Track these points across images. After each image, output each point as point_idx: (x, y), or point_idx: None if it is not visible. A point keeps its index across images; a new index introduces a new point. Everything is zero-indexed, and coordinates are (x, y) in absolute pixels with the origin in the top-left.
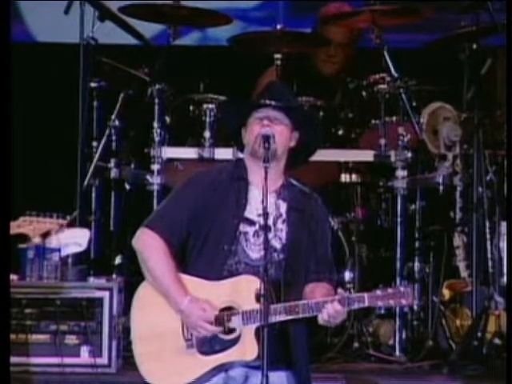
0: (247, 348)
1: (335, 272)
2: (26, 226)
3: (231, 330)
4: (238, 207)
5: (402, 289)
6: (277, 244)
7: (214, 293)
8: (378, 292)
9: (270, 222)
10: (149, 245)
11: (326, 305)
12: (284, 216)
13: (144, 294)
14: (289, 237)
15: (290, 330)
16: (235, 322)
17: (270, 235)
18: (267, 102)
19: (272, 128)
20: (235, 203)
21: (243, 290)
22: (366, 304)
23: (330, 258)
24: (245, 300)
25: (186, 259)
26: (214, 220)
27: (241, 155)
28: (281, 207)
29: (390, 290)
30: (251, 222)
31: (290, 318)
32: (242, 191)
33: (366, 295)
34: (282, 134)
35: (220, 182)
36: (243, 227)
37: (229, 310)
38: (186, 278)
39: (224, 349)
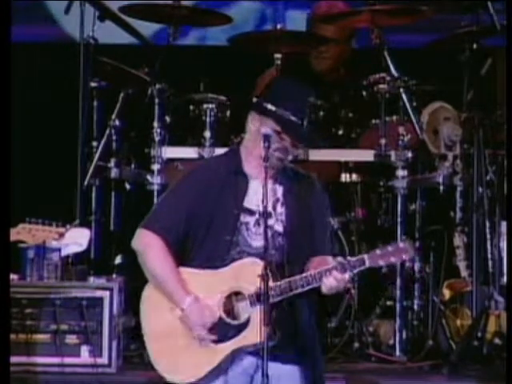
0: (258, 330)
1: (335, 244)
2: (25, 233)
3: (241, 315)
4: (237, 198)
5: (401, 244)
6: (279, 228)
7: (218, 279)
8: (378, 251)
9: (270, 207)
10: (148, 246)
11: (327, 274)
12: (282, 199)
13: (150, 294)
14: (289, 218)
15: (298, 313)
16: (243, 306)
17: (272, 220)
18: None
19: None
20: (234, 195)
21: (248, 273)
22: (367, 265)
23: (329, 231)
24: (251, 283)
25: (187, 254)
26: (214, 213)
27: None
28: (278, 192)
29: (389, 248)
30: (251, 212)
31: (294, 293)
32: (240, 183)
33: (365, 256)
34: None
35: (216, 176)
36: (244, 217)
37: (236, 295)
38: (189, 270)
39: (236, 334)
